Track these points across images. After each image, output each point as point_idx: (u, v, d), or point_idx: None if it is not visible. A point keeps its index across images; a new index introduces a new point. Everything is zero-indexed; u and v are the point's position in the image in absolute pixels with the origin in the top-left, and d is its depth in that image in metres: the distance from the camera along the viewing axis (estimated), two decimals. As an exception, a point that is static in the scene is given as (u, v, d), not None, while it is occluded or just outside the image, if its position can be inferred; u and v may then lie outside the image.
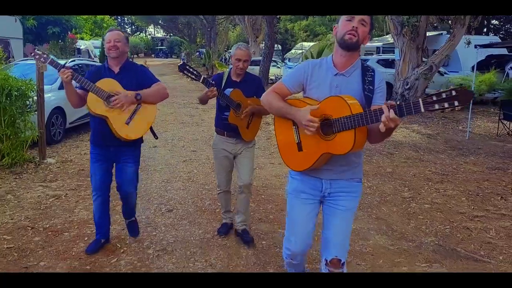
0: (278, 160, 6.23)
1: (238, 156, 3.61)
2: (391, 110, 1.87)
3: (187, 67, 3.32)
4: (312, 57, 17.03)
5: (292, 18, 35.17)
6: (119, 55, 3.21)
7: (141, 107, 3.23)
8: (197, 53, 35.30)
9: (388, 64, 13.49)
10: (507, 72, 13.58)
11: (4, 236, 3.70)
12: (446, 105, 1.76)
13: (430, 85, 12.23)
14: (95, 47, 28.46)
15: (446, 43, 11.48)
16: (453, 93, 1.75)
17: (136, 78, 3.25)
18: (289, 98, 2.32)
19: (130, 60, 3.46)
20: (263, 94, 2.40)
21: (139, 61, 36.32)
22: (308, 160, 2.20)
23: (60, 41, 18.79)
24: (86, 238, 3.70)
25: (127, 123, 3.17)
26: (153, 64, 34.72)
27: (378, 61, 13.82)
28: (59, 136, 7.59)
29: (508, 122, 8.97)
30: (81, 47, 23.53)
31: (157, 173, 5.80)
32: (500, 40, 17.57)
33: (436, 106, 1.79)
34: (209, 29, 37.43)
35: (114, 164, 3.37)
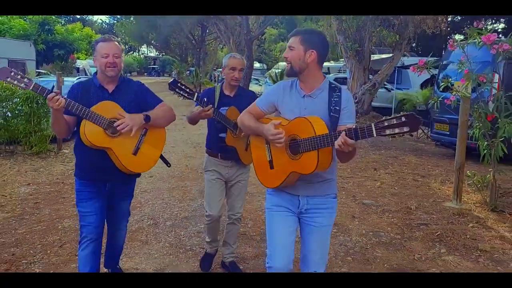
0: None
1: (232, 184, 3.32)
2: (343, 135, 1.94)
3: (179, 84, 2.88)
4: (272, 78, 20.00)
5: (276, 38, 38.06)
6: (117, 74, 2.64)
7: (148, 131, 2.69)
8: (188, 72, 37.78)
9: (343, 81, 15.94)
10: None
11: (46, 187, 5.90)
12: (396, 130, 1.83)
13: (377, 100, 14.63)
14: (91, 66, 30.83)
15: (386, 65, 13.92)
16: (403, 119, 1.81)
17: (136, 98, 2.71)
18: (265, 118, 2.38)
19: (125, 76, 2.84)
20: (241, 115, 2.45)
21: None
22: (278, 178, 2.25)
23: (63, 61, 21.21)
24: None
25: (134, 154, 2.65)
26: (146, 82, 37.10)
27: (335, 79, 16.25)
28: (70, 134, 9.84)
29: (426, 127, 11.31)
30: (79, 67, 25.86)
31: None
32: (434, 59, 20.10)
33: (387, 131, 1.85)
34: (198, 49, 39.98)
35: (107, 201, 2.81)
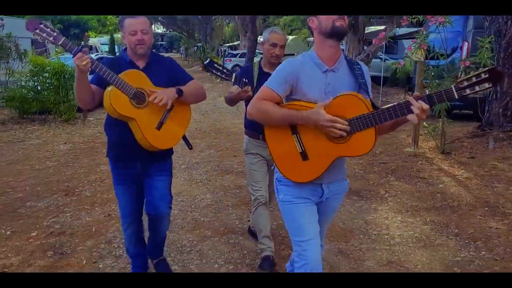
0: (236, 115, 9.58)
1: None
2: (421, 101, 1.80)
3: (215, 65, 2.84)
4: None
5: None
6: (147, 51, 2.52)
7: (174, 108, 2.55)
8: (195, 48, 38.59)
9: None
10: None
11: (80, 145, 7.15)
12: (477, 88, 1.74)
13: (371, 69, 15.63)
14: (102, 44, 31.86)
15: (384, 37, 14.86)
16: (483, 75, 1.72)
17: (168, 74, 2.60)
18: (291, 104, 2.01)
19: (154, 51, 2.71)
20: (248, 106, 2.03)
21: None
22: (317, 168, 1.98)
23: (78, 39, 22.35)
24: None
25: (158, 128, 2.52)
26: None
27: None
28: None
29: (410, 92, 12.39)
30: (91, 44, 26.91)
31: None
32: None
33: (468, 91, 1.75)
34: (204, 25, 40.70)
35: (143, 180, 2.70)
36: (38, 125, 8.88)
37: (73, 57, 2.28)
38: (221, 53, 31.51)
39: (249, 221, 3.73)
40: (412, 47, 5.68)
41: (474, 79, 1.74)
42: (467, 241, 3.47)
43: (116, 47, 32.21)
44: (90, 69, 2.31)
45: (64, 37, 2.38)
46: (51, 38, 2.33)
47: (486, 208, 4.11)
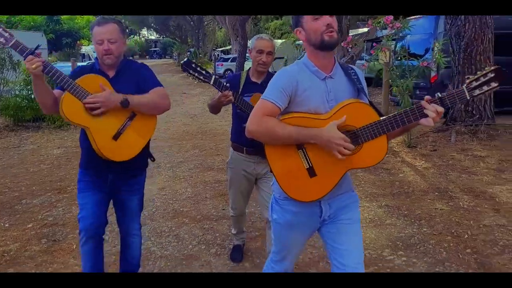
0: (222, 117, 10.07)
1: (262, 180, 2.92)
2: (434, 104, 1.74)
3: (193, 65, 2.65)
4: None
5: (270, 17, 39.03)
6: (115, 61, 2.40)
7: (136, 117, 2.40)
8: (188, 53, 39.14)
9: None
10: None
11: (73, 149, 7.58)
12: (485, 88, 1.73)
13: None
14: (94, 51, 32.42)
15: (362, 38, 15.38)
16: (489, 75, 1.72)
17: (137, 81, 2.45)
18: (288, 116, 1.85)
19: (129, 58, 2.62)
20: (248, 123, 1.84)
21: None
22: (327, 184, 1.85)
23: (70, 48, 22.92)
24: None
25: (115, 138, 2.36)
26: (147, 64, 38.77)
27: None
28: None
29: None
30: (84, 52, 27.45)
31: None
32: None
33: (477, 92, 1.74)
34: (197, 31, 41.28)
35: (111, 196, 2.58)
36: (32, 131, 9.31)
37: (24, 60, 2.19)
38: (214, 57, 32.05)
39: (224, 209, 4.19)
40: (374, 51, 6.15)
41: (482, 79, 1.73)
42: (413, 220, 3.94)
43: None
44: (43, 72, 2.22)
45: (16, 39, 2.26)
46: (1, 39, 2.23)
47: (437, 193, 4.58)
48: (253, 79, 2.88)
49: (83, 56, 26.27)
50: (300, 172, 1.85)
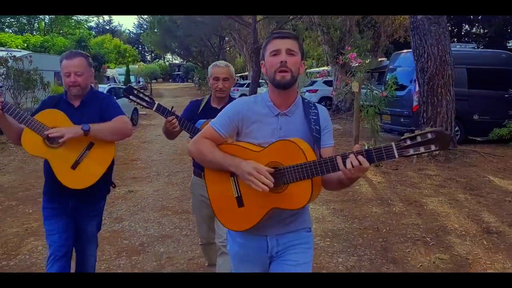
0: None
1: None
2: (359, 157, 1.60)
3: (135, 91, 2.67)
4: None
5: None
6: (81, 92, 2.56)
7: (94, 146, 2.49)
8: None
9: (330, 83, 18.52)
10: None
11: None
12: (422, 149, 1.58)
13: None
14: (119, 74, 34.58)
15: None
16: (429, 136, 1.56)
17: (100, 111, 2.57)
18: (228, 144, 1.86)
19: (95, 89, 2.75)
20: (190, 143, 1.91)
21: (157, 87, 42.73)
22: (252, 217, 1.81)
23: (96, 71, 24.76)
24: (123, 159, 8.73)
25: (73, 168, 2.46)
26: (169, 88, 41.04)
27: (324, 82, 18.83)
28: (137, 121, 14.10)
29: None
30: (109, 75, 29.35)
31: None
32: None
33: (411, 151, 1.59)
34: (216, 56, 43.03)
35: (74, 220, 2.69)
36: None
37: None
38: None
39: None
40: (340, 81, 7.21)
41: (419, 139, 1.57)
42: (349, 219, 4.90)
43: (133, 77, 34.84)
44: (2, 111, 2.38)
45: None
46: None
47: (379, 201, 5.53)
48: (214, 105, 2.95)
49: (108, 78, 28.14)
50: (230, 200, 1.84)
